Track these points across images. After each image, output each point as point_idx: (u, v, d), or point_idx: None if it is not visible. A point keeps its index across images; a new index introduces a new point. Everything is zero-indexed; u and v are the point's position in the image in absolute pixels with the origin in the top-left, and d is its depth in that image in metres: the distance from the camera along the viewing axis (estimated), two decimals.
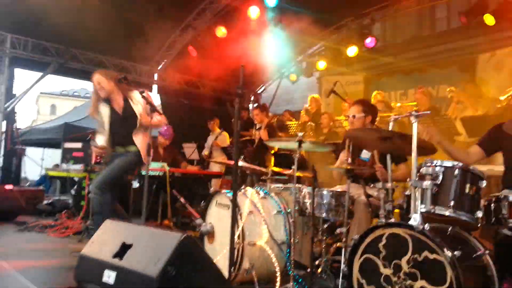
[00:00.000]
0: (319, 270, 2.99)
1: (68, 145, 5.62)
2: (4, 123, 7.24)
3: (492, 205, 2.36)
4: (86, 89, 35.55)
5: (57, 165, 10.39)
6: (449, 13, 9.48)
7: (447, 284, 1.94)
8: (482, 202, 2.36)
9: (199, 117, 8.37)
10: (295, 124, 6.37)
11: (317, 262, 2.99)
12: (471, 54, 7.80)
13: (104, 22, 6.47)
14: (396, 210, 2.67)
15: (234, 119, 2.36)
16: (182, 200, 3.64)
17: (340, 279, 2.59)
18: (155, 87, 8.87)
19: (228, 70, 8.27)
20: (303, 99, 10.66)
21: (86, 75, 8.10)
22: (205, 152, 7.26)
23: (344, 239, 2.82)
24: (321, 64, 8.75)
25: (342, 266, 2.63)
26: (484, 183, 2.33)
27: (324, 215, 3.04)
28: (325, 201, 3.05)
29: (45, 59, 7.30)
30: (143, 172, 4.81)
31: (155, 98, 9.68)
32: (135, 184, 5.66)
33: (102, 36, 7.04)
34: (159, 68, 8.70)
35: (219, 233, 3.10)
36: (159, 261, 1.92)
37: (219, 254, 2.93)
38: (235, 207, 2.28)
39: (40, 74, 7.56)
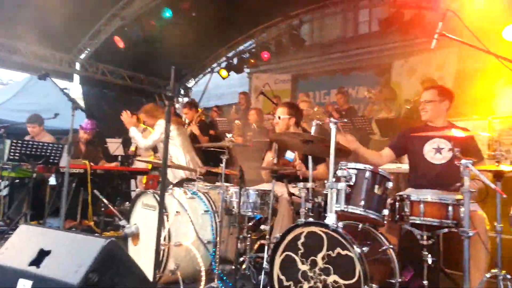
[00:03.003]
0: (243, 266, 3.09)
1: None
2: None
3: (397, 203, 2.63)
4: None
5: None
6: (370, 17, 10.10)
7: (356, 278, 2.14)
8: (389, 201, 2.62)
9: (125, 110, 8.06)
10: (224, 121, 6.43)
11: (241, 259, 3.09)
12: (387, 59, 8.46)
13: (21, 6, 5.96)
14: None
15: (165, 121, 2.35)
16: (104, 200, 3.51)
17: (262, 276, 2.72)
18: (76, 77, 8.36)
19: (155, 61, 8.11)
20: (233, 94, 10.75)
21: None
22: (132, 148, 7.01)
23: (267, 236, 2.95)
24: (251, 62, 8.94)
25: (264, 263, 2.76)
26: (390, 184, 2.59)
27: (249, 213, 3.15)
28: (251, 200, 3.16)
29: None
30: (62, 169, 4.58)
31: (77, 89, 9.16)
32: (53, 181, 5.31)
33: (18, 20, 6.47)
34: (81, 57, 8.21)
35: (145, 234, 3.07)
36: (81, 268, 1.87)
37: (143, 255, 2.91)
38: (162, 209, 2.29)
39: None
